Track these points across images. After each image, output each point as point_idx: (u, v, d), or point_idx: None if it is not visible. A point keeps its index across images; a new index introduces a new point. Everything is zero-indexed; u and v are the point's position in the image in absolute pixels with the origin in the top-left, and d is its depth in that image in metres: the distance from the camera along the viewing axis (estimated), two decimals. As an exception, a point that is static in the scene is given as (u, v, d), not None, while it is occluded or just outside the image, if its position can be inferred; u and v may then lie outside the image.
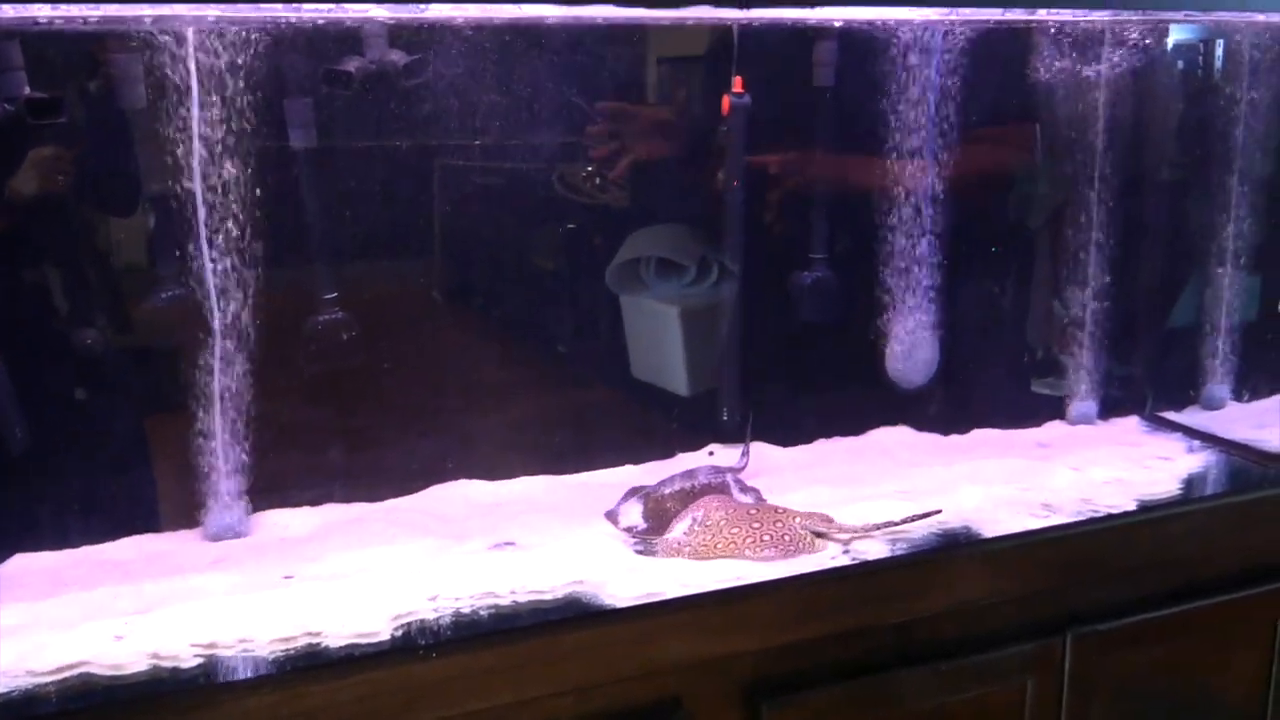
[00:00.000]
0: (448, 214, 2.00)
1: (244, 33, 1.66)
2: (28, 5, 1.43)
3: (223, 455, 1.80)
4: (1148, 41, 2.17)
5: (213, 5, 1.48)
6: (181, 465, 1.79)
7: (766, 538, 1.76)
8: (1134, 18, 2.02)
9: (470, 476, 2.02)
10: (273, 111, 1.77)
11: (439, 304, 2.05)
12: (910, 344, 2.18)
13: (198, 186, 1.70)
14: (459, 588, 1.63)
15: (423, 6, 1.58)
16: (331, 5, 1.59)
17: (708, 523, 1.78)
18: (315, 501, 1.92)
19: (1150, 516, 1.93)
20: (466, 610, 1.59)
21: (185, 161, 1.69)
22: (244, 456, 1.81)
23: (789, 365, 2.21)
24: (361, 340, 1.93)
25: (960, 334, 2.23)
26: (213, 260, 1.73)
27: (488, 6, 1.64)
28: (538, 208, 2.04)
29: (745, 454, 2.10)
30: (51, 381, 1.81)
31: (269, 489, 1.86)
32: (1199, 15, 2.14)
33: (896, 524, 1.82)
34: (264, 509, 1.87)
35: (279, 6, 1.56)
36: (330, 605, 1.56)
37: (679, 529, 1.78)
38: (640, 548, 1.79)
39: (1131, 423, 2.37)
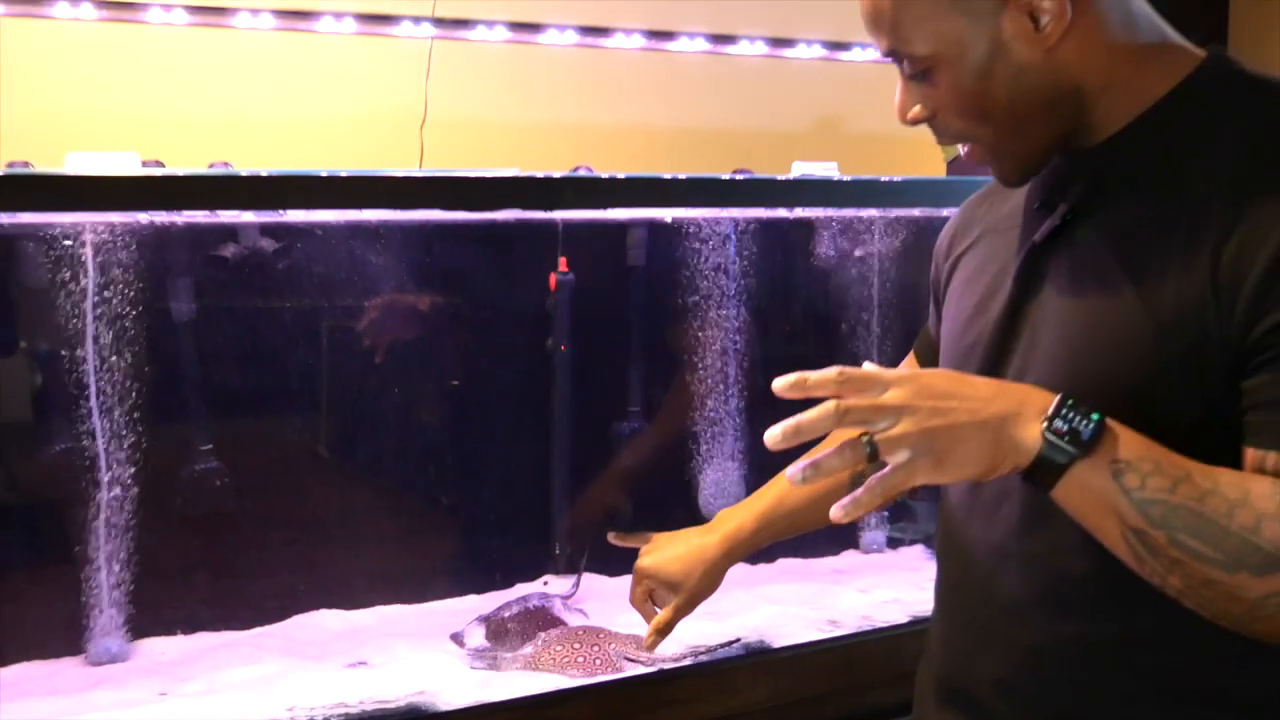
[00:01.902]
0: (305, 372, 2.30)
1: (135, 228, 1.98)
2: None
3: (106, 588, 2.04)
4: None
5: (113, 214, 1.80)
6: (68, 597, 2.03)
7: (580, 659, 2.06)
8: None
9: (329, 606, 2.28)
10: (158, 288, 2.08)
11: (300, 452, 2.32)
12: (718, 483, 2.51)
13: (90, 351, 1.99)
14: (315, 700, 1.89)
15: (282, 212, 1.92)
16: (208, 211, 1.92)
17: (542, 641, 2.07)
18: (189, 630, 2.16)
19: (918, 628, 2.26)
20: (320, 719, 1.84)
21: (79, 329, 1.98)
22: (125, 590, 2.06)
23: (612, 503, 2.52)
24: (232, 486, 2.20)
25: (765, 474, 2.57)
26: (101, 415, 2.01)
27: (335, 212, 1.99)
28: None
29: (576, 584, 2.39)
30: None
31: (147, 619, 2.10)
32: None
33: (701, 652, 2.12)
34: (142, 637, 2.11)
35: (165, 214, 1.89)
36: (200, 717, 1.81)
37: (525, 648, 2.07)
38: (482, 664, 2.07)
39: (916, 550, 2.73)
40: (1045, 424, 0.93)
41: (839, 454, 0.95)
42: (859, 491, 0.95)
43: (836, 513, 0.97)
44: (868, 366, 0.98)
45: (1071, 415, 0.93)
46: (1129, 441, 0.93)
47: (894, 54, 1.08)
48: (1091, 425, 0.92)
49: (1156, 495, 0.91)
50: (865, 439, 0.94)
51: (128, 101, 2.40)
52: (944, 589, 1.26)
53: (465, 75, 2.74)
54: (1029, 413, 0.94)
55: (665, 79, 2.93)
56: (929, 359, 1.34)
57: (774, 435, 0.95)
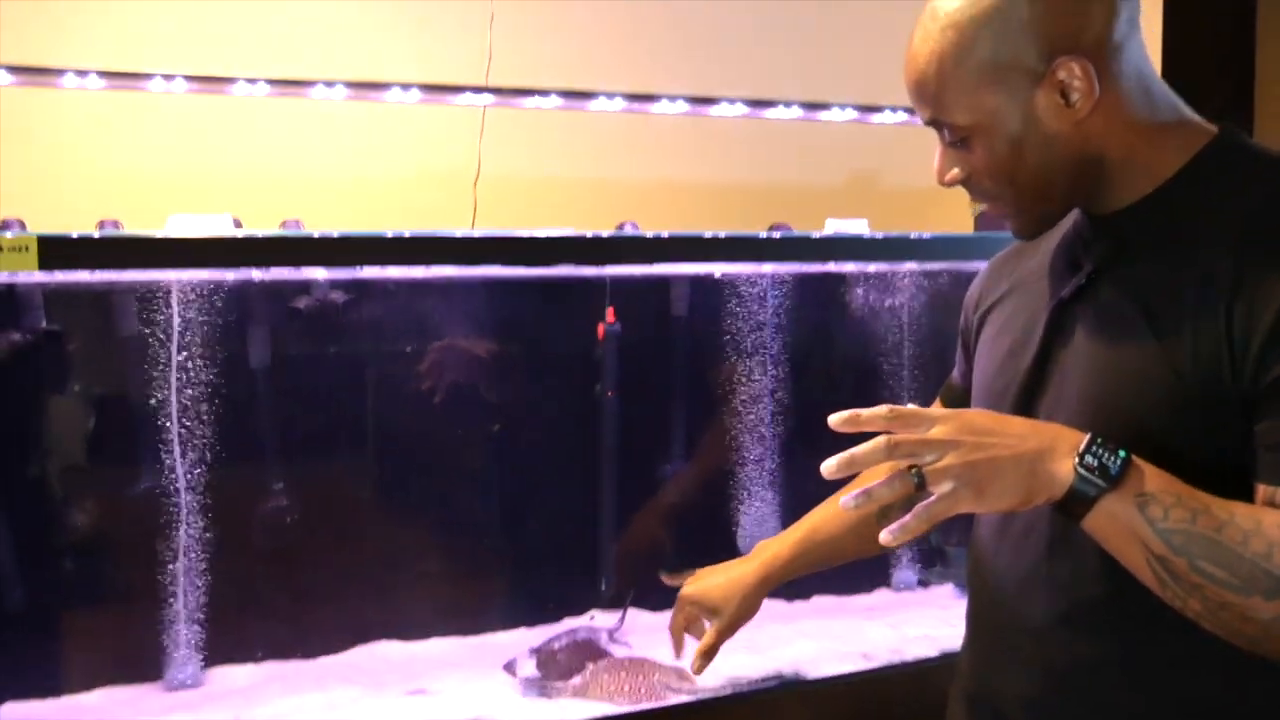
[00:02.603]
0: (372, 418, 2.45)
1: (217, 284, 2.15)
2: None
3: (184, 618, 2.19)
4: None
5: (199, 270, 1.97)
6: (148, 626, 2.18)
7: (626, 687, 2.18)
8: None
9: (389, 637, 2.41)
10: (239, 339, 2.24)
11: (364, 491, 2.47)
12: (758, 523, 2.64)
13: (173, 397, 2.15)
14: (379, 724, 2.03)
15: (358, 269, 2.08)
16: (291, 268, 2.08)
17: (590, 671, 2.20)
18: (259, 659, 2.30)
19: (947, 662, 2.37)
20: (386, 740, 1.98)
21: (166, 377, 2.14)
22: (201, 620, 2.21)
23: (657, 541, 2.65)
24: (302, 523, 2.34)
25: (801, 513, 2.70)
26: (183, 456, 2.17)
27: (403, 269, 2.15)
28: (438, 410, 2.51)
29: (622, 618, 2.52)
30: (43, 554, 2.20)
31: (221, 647, 2.24)
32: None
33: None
34: (216, 664, 2.25)
35: (254, 271, 2.06)
36: (275, 736, 1.95)
37: (575, 678, 2.20)
38: (534, 693, 2.20)
39: (947, 589, 2.84)
40: (1078, 460, 1.03)
41: (889, 484, 1.05)
42: (907, 518, 1.05)
43: (886, 537, 1.06)
44: (911, 407, 1.08)
45: (1101, 452, 1.04)
46: (1153, 476, 1.04)
47: (935, 123, 1.19)
48: (1119, 461, 1.03)
49: (1178, 525, 1.01)
50: (913, 471, 1.04)
51: (208, 164, 2.59)
52: (974, 614, 1.37)
53: (516, 136, 2.91)
54: (1062, 449, 1.04)
55: (705, 140, 3.09)
56: (953, 406, 1.46)
57: (829, 466, 1.06)
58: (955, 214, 3.14)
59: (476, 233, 2.32)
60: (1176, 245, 1.13)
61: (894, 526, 1.06)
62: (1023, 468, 1.04)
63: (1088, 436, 1.05)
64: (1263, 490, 1.04)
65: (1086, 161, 1.15)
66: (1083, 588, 1.17)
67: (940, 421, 1.05)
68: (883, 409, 1.06)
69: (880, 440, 1.04)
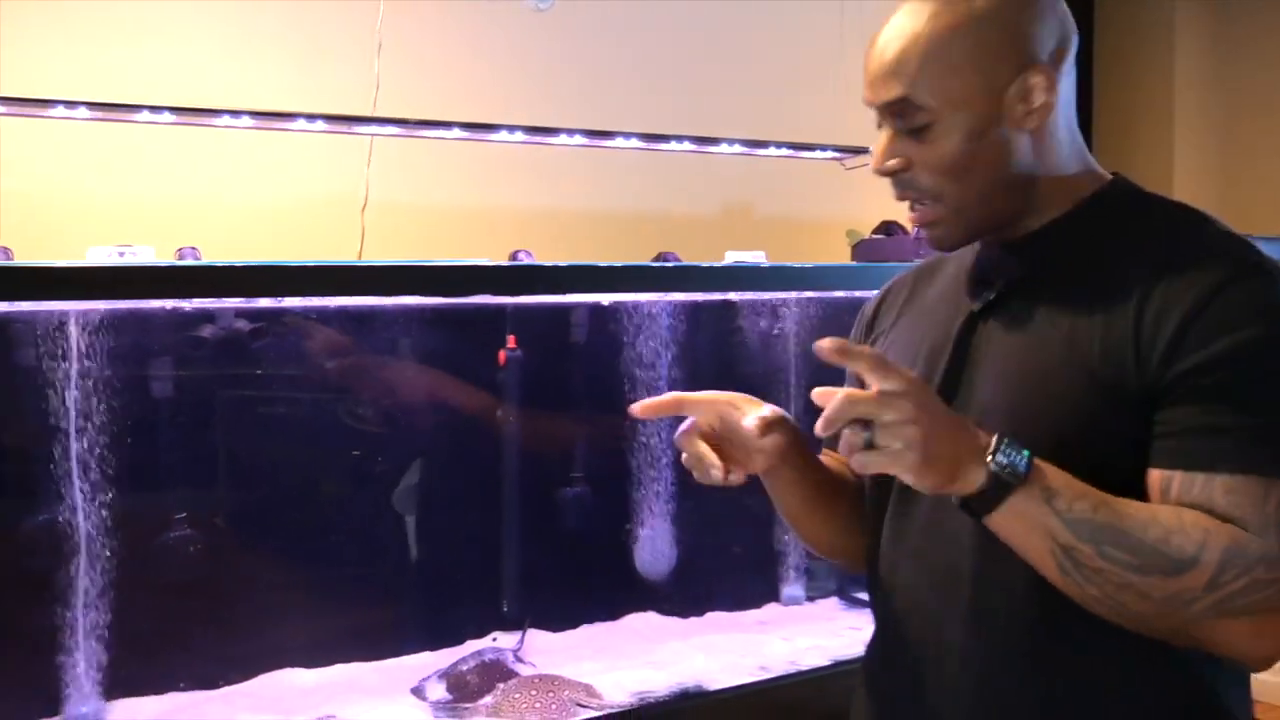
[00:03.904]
0: (275, 445, 2.45)
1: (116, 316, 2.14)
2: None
3: (84, 651, 2.16)
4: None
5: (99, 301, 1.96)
6: (47, 661, 2.14)
7: (538, 705, 2.23)
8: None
9: (293, 664, 2.41)
10: (140, 369, 2.23)
11: (265, 519, 2.47)
12: (653, 544, 2.72)
13: (72, 429, 2.13)
14: (292, 750, 2.04)
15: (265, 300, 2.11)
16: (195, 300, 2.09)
17: (501, 690, 2.25)
18: (163, 690, 2.28)
19: (839, 670, 2.49)
20: (298, 767, 1.99)
21: (63, 407, 2.12)
22: (102, 652, 2.18)
23: (557, 563, 2.71)
24: (205, 551, 2.33)
25: (694, 534, 2.79)
26: (82, 488, 2.14)
27: (309, 299, 2.18)
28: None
29: (522, 639, 2.56)
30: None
31: (124, 680, 2.21)
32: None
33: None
34: (119, 698, 2.22)
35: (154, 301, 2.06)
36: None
37: (486, 698, 2.24)
38: (445, 715, 2.23)
39: (832, 602, 2.96)
40: (990, 458, 1.09)
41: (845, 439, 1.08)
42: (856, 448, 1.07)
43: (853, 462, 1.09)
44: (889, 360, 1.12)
45: (1009, 451, 1.10)
46: (1054, 473, 1.11)
47: (896, 104, 1.21)
48: (1025, 459, 1.10)
49: (1083, 515, 1.09)
50: (867, 428, 1.07)
51: (101, 191, 2.56)
52: (883, 621, 1.43)
53: (407, 164, 2.95)
54: (972, 447, 1.10)
55: (599, 170, 3.18)
56: None
57: (819, 427, 1.09)
58: (831, 244, 3.29)
59: (391, 263, 2.35)
60: (1081, 268, 1.22)
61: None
62: (956, 455, 1.09)
63: (995, 436, 1.11)
64: (1157, 476, 1.13)
65: (1024, 176, 1.22)
66: (989, 587, 1.23)
67: (908, 384, 1.09)
68: (866, 350, 1.10)
69: (842, 397, 1.07)
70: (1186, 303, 1.12)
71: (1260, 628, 1.10)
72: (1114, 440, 1.16)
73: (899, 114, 1.22)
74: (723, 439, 1.31)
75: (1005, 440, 1.11)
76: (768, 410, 1.31)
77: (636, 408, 1.29)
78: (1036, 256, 1.26)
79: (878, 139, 1.24)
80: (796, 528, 1.46)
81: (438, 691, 2.29)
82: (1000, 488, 1.10)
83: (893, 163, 1.23)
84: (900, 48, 1.20)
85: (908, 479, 1.11)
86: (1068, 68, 1.23)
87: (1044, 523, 1.11)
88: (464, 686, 2.29)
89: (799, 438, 1.35)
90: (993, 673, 1.26)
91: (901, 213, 3.31)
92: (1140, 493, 1.14)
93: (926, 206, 1.25)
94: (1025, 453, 1.11)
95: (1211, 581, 1.08)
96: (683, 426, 1.29)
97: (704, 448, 1.28)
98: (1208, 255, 1.15)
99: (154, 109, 2.18)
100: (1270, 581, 1.08)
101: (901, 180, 1.24)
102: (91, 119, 2.20)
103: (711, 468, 1.26)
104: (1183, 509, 1.11)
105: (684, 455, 1.29)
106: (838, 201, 3.37)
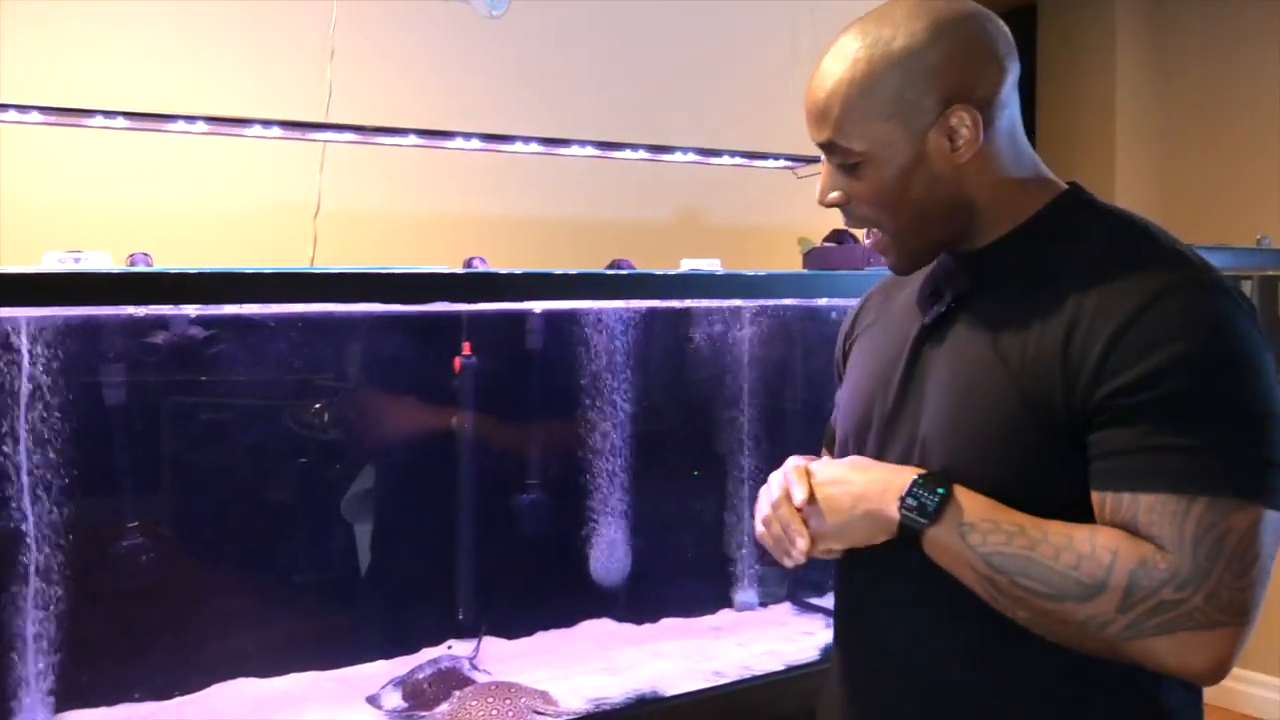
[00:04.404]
0: (227, 453, 2.44)
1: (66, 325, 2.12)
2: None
3: (33, 662, 2.13)
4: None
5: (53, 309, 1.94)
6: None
7: (495, 713, 2.23)
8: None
9: (246, 674, 2.39)
10: (91, 374, 2.20)
11: (218, 527, 2.45)
12: (607, 551, 2.73)
13: (23, 434, 2.10)
14: (249, 760, 2.02)
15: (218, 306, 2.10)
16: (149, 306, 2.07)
17: (458, 698, 2.24)
18: (113, 702, 2.25)
19: (793, 675, 2.51)
20: (256, 776, 1.97)
21: (13, 417, 2.09)
22: (50, 663, 2.15)
23: (512, 570, 2.71)
24: (157, 560, 2.31)
25: (648, 541, 2.80)
26: (32, 494, 2.11)
27: (263, 306, 2.17)
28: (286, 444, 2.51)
29: (478, 647, 2.56)
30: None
31: (73, 691, 2.19)
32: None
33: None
34: (67, 710, 2.19)
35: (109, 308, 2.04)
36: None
37: (442, 706, 2.23)
38: (402, 722, 2.23)
39: (784, 608, 2.98)
40: (900, 503, 1.22)
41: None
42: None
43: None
44: (794, 461, 1.36)
45: (921, 493, 1.20)
46: (972, 506, 1.18)
47: (829, 145, 1.28)
48: (937, 499, 1.19)
49: (996, 548, 1.16)
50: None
51: (52, 196, 2.53)
52: (841, 633, 1.46)
53: (357, 169, 2.93)
54: (891, 494, 1.23)
55: (552, 177, 3.18)
56: (832, 447, 1.56)
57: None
58: (782, 251, 3.32)
59: (337, 269, 2.34)
60: (1025, 281, 1.26)
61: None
62: (858, 514, 1.26)
63: (910, 480, 1.22)
64: (1094, 495, 1.17)
65: (960, 204, 1.28)
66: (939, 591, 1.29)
67: (815, 511, 1.31)
68: (779, 500, 1.33)
69: (760, 524, 1.36)
70: (1114, 321, 1.16)
71: (1180, 646, 1.11)
72: (1043, 456, 1.20)
73: (830, 152, 1.29)
74: None
75: (918, 483, 1.22)
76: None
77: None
78: (982, 271, 1.31)
79: (821, 170, 1.32)
80: None
81: (393, 700, 2.28)
82: (914, 527, 1.21)
83: (833, 196, 1.31)
84: (827, 91, 1.26)
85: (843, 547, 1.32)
86: (1007, 93, 1.27)
87: (962, 555, 1.19)
88: (420, 695, 2.29)
89: None
90: (941, 678, 1.29)
91: (854, 221, 3.32)
92: (1081, 508, 1.18)
93: (873, 236, 1.34)
94: (940, 491, 1.20)
95: (1121, 604, 1.11)
96: (796, 501, 1.36)
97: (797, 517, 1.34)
98: (1140, 271, 1.18)
99: (107, 114, 2.16)
100: (1178, 602, 1.10)
101: (845, 211, 1.32)
102: (44, 123, 2.17)
103: (798, 538, 1.31)
104: (1098, 532, 1.15)
105: (766, 530, 1.37)
106: (789, 209, 3.40)
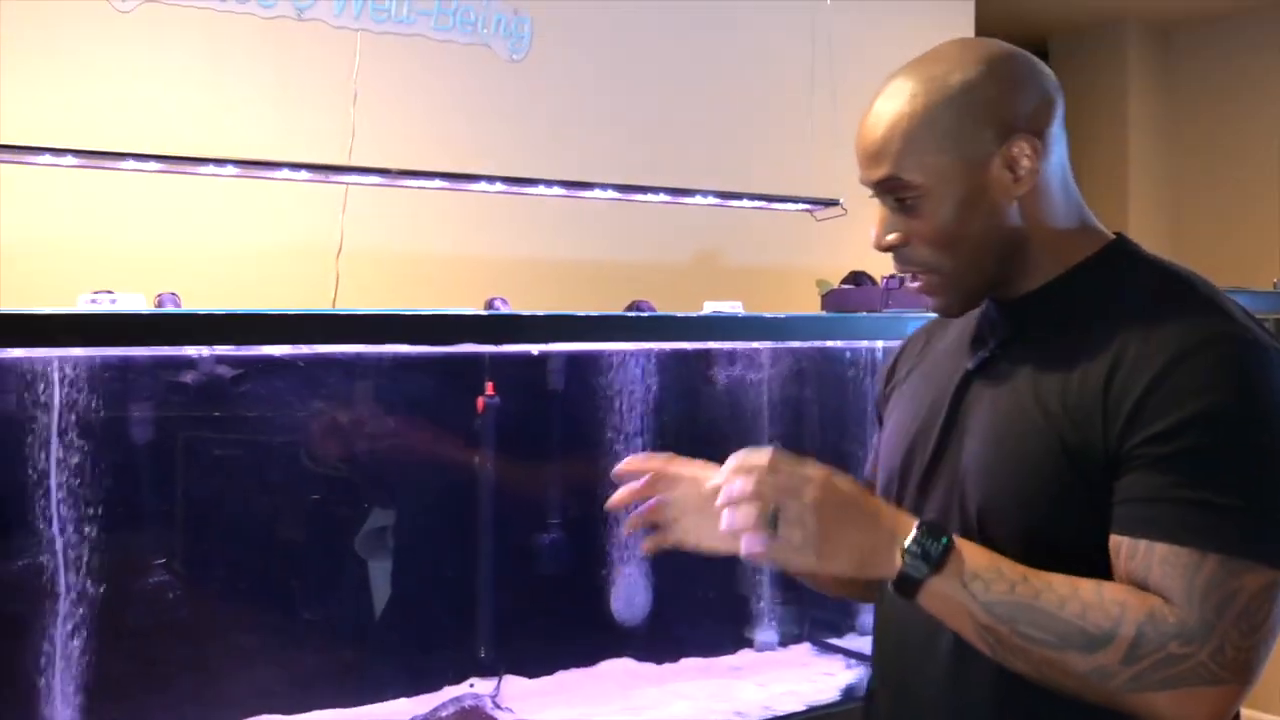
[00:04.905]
0: (252, 491, 2.46)
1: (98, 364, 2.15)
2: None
3: (60, 697, 2.15)
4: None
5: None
6: (26, 705, 2.13)
7: (517, 751, 2.25)
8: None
9: (271, 711, 2.41)
10: (121, 413, 2.23)
11: (245, 567, 2.47)
12: (628, 590, 2.74)
13: (53, 473, 2.13)
14: (275, 797, 2.03)
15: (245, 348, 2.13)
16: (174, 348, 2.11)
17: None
18: (140, 736, 2.27)
19: (814, 715, 2.51)
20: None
21: (44, 456, 2.12)
22: (77, 699, 2.16)
23: (534, 610, 2.72)
24: (183, 597, 2.33)
25: (667, 581, 2.81)
26: (60, 529, 2.14)
27: (287, 347, 2.20)
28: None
29: (499, 685, 2.57)
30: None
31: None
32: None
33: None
34: (94, 745, 2.21)
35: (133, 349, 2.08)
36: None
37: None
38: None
39: (804, 648, 2.99)
40: (902, 548, 1.16)
41: (746, 509, 1.15)
42: (747, 545, 1.15)
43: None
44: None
45: (925, 540, 1.16)
46: (974, 556, 1.16)
47: (886, 182, 1.24)
48: (940, 547, 1.16)
49: (999, 597, 1.14)
50: (773, 509, 1.14)
51: (84, 237, 2.57)
52: (878, 659, 1.47)
53: (378, 210, 2.98)
54: (897, 538, 1.17)
55: (572, 220, 3.22)
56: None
57: (719, 501, 1.17)
58: (800, 293, 3.35)
59: (364, 310, 2.37)
60: (1069, 328, 1.26)
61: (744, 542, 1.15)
62: (863, 546, 1.17)
63: (915, 526, 1.17)
64: (1112, 539, 1.16)
65: (1016, 241, 1.27)
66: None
67: (814, 483, 1.16)
68: (768, 454, 1.17)
69: (751, 482, 1.15)
70: (1151, 371, 1.16)
71: (1181, 701, 1.10)
72: (1080, 504, 1.19)
73: (889, 190, 1.26)
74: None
75: (923, 529, 1.17)
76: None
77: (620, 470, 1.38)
78: (1026, 318, 1.30)
79: (876, 215, 1.29)
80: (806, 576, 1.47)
81: (416, 738, 2.29)
82: (915, 574, 1.16)
83: (891, 238, 1.28)
84: (885, 127, 1.24)
85: (805, 568, 1.18)
86: (1056, 130, 1.27)
87: (963, 605, 1.16)
88: (443, 733, 2.30)
89: None
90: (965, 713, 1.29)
91: (868, 262, 3.38)
92: (1106, 555, 1.17)
93: (924, 278, 1.29)
94: (944, 540, 1.17)
95: (1127, 656, 1.10)
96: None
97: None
98: (1180, 323, 1.19)
99: (140, 157, 2.20)
100: (1184, 656, 1.09)
101: (901, 255, 1.29)
102: (79, 166, 2.21)
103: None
104: (1104, 585, 1.14)
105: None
106: (807, 252, 3.44)
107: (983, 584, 1.15)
